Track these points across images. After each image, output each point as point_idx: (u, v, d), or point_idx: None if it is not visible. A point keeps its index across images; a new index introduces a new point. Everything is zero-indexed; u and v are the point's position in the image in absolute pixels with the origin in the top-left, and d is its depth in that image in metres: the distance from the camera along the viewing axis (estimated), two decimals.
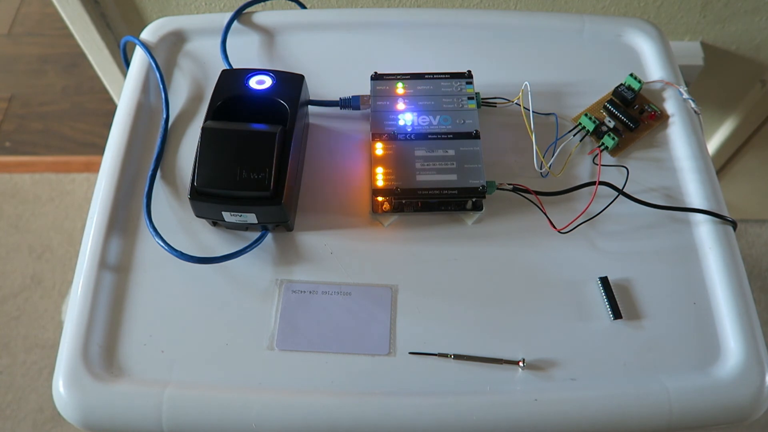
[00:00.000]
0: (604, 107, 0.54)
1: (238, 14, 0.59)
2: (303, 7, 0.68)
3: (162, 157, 0.52)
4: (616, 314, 0.45)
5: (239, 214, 0.45)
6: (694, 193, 0.50)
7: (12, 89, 1.46)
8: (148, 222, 0.47)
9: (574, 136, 0.53)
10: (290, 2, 0.68)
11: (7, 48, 1.53)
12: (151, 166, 0.50)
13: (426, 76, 0.53)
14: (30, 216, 1.27)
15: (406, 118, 0.50)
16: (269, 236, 0.48)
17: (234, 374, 0.43)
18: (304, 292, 0.46)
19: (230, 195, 0.44)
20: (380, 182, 0.47)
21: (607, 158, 0.52)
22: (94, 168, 1.31)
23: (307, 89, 0.52)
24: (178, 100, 0.55)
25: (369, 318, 0.45)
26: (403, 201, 0.48)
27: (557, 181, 0.50)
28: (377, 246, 0.48)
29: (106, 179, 0.50)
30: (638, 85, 0.53)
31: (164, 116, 0.53)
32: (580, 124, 0.53)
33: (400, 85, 0.52)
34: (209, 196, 0.45)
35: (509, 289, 0.46)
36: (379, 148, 0.49)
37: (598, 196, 0.48)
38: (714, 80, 0.91)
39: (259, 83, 0.49)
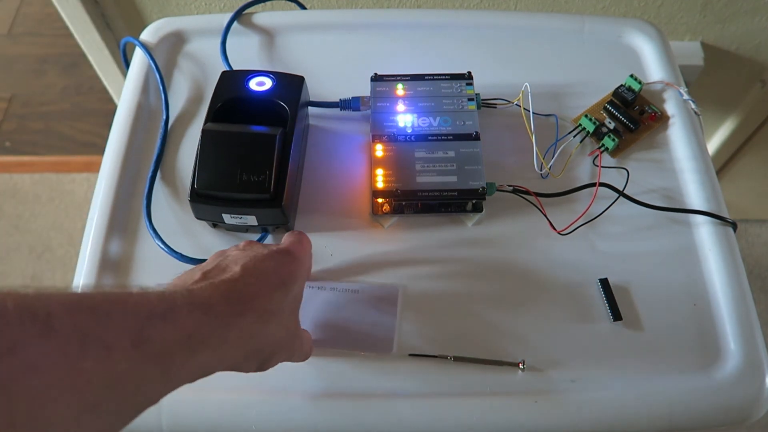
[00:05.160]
0: (605, 108, 0.54)
1: (238, 15, 0.59)
2: (303, 7, 0.68)
3: (162, 159, 0.52)
4: (616, 316, 0.45)
5: (239, 216, 0.45)
6: (695, 195, 0.50)
7: (12, 89, 1.46)
8: (148, 224, 0.47)
9: (574, 137, 0.53)
10: (290, 3, 0.68)
11: (7, 48, 1.53)
12: (151, 168, 0.50)
13: (426, 77, 0.53)
14: (30, 216, 1.27)
15: (406, 120, 0.50)
16: (269, 238, 0.48)
17: (233, 374, 0.43)
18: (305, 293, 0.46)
19: (230, 197, 0.44)
20: (380, 184, 0.47)
21: (607, 159, 0.52)
22: (94, 168, 1.30)
23: (307, 90, 0.52)
24: (178, 101, 0.55)
25: (369, 319, 0.45)
26: (403, 202, 0.48)
27: (557, 182, 0.50)
28: (377, 248, 0.48)
29: (106, 180, 0.50)
30: (638, 86, 0.53)
31: (164, 117, 0.53)
32: (580, 125, 0.53)
33: (400, 86, 0.52)
34: (209, 198, 0.45)
35: (509, 291, 0.46)
36: (379, 150, 0.49)
37: (598, 198, 0.48)
38: (714, 80, 0.91)
39: (259, 85, 0.49)
